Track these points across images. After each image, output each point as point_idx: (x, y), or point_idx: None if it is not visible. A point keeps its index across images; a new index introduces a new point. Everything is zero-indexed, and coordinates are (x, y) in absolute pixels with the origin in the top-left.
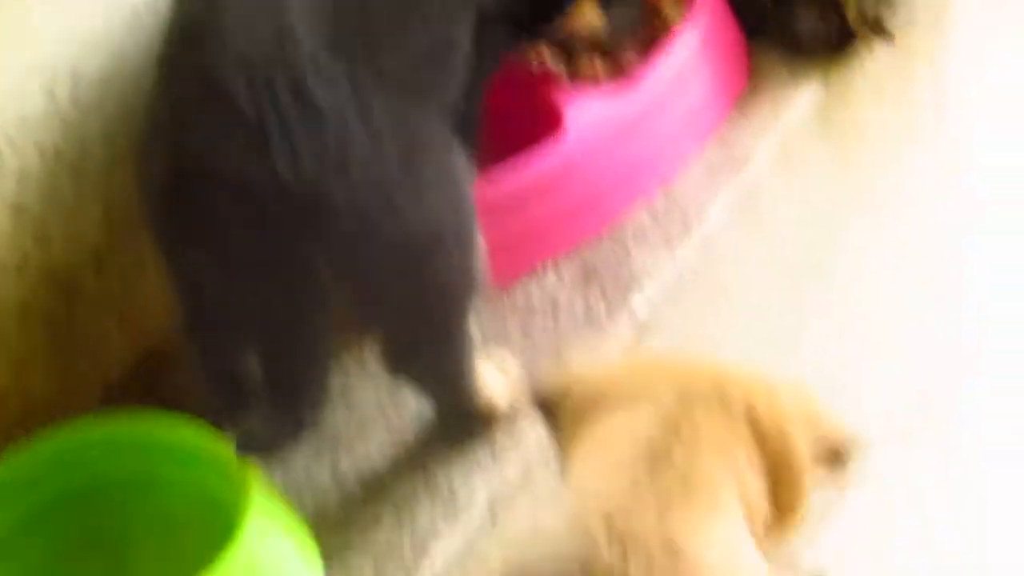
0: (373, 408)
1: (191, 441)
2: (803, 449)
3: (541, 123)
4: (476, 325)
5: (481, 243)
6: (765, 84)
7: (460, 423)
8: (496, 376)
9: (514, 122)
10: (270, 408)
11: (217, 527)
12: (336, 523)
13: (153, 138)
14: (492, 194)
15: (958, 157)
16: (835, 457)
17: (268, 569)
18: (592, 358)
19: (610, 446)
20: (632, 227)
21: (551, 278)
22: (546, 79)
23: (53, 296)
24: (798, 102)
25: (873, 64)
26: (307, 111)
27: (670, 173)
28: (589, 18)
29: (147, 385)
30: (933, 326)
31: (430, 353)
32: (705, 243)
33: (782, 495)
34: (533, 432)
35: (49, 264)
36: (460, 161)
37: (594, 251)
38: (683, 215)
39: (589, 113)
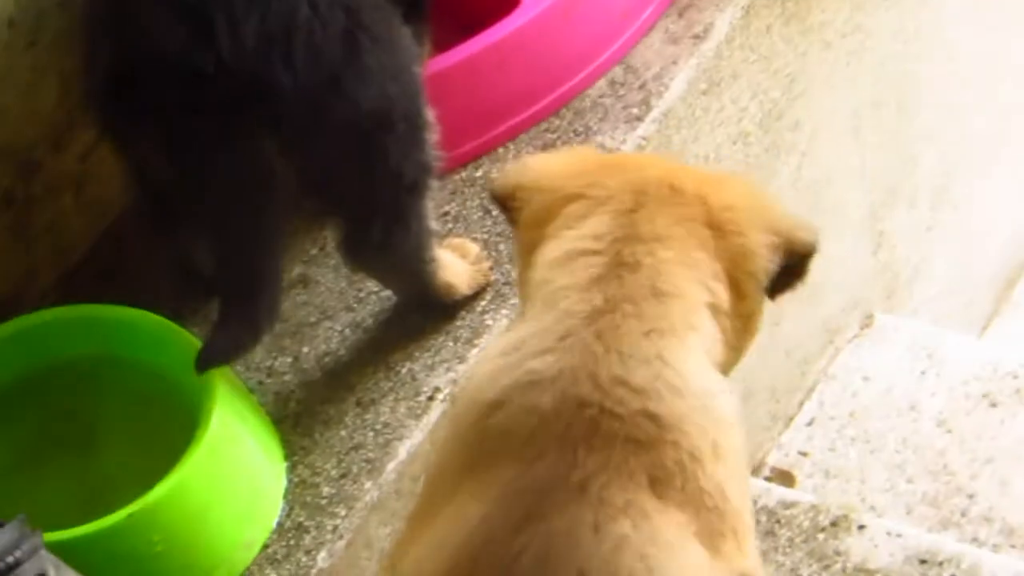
0: (334, 296)
1: (151, 326)
2: (759, 236)
3: None
4: (435, 208)
5: (433, 124)
6: None
7: (422, 310)
8: (456, 260)
9: None
10: (225, 315)
11: (181, 412)
12: (299, 419)
13: (95, 25)
14: (447, 67)
15: (918, 22)
16: (790, 247)
17: (232, 467)
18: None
19: (575, 248)
20: (591, 100)
21: (511, 155)
22: None
23: (10, 174)
24: None
25: None
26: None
27: (628, 43)
28: None
29: (106, 272)
30: (893, 197)
31: (388, 242)
32: (666, 115)
33: (742, 294)
34: (493, 320)
35: (5, 141)
36: (407, 39)
37: (553, 127)
38: (643, 88)
39: None
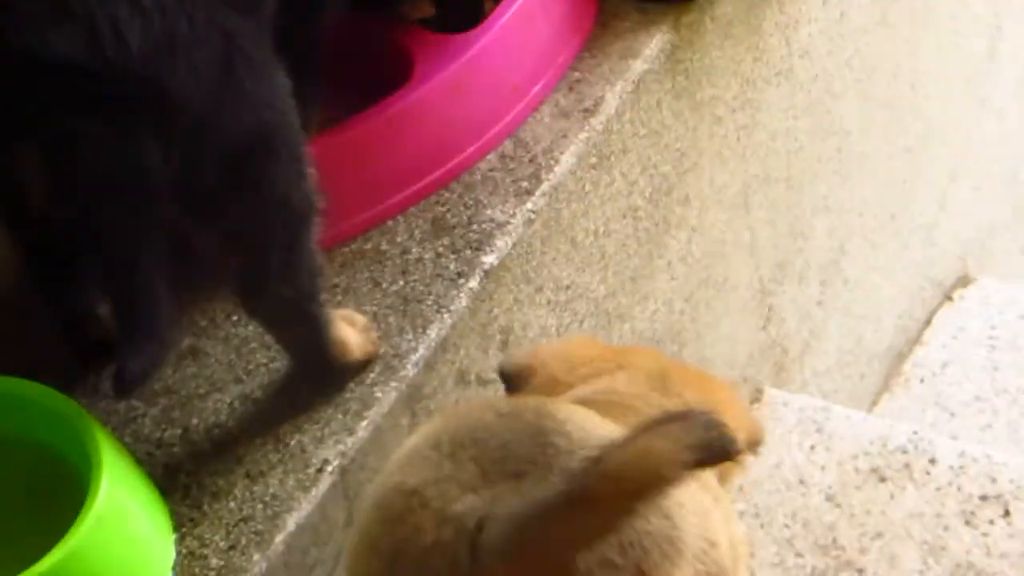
0: (223, 368)
1: (37, 397)
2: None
3: (390, 67)
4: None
5: (311, 164)
6: (615, 27)
7: (313, 374)
8: (346, 326)
9: (362, 65)
10: (129, 334)
11: (68, 484)
12: (188, 491)
13: None
14: (338, 139)
15: (809, 98)
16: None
17: (121, 539)
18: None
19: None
20: (481, 174)
21: (401, 229)
22: (396, 23)
23: None
24: (649, 45)
25: (722, 5)
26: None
27: (518, 118)
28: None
29: None
30: (783, 271)
31: (286, 272)
32: (556, 188)
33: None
34: (383, 392)
35: None
36: (282, 75)
37: (444, 201)
38: (533, 162)
39: (440, 53)
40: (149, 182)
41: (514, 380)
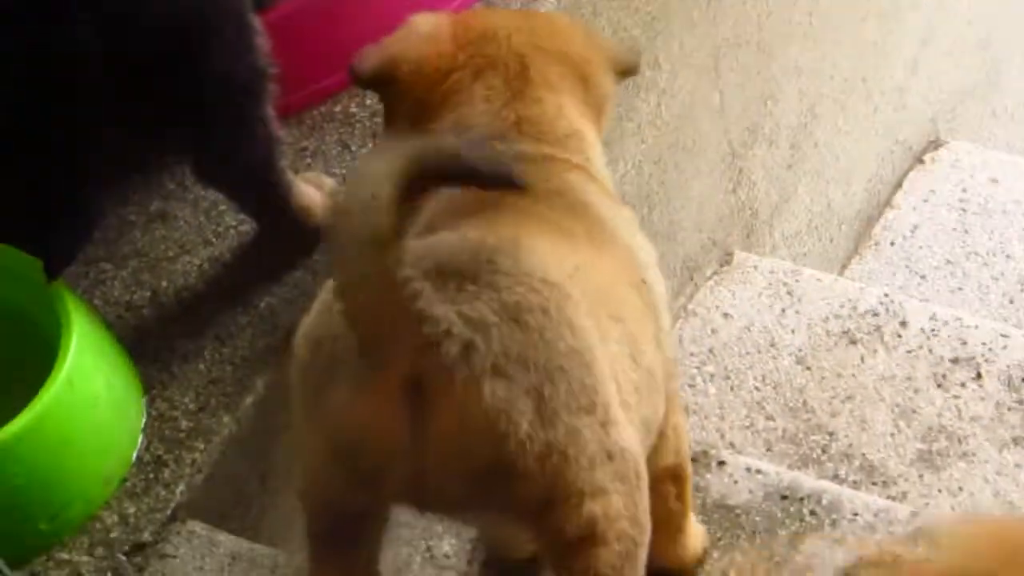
0: (193, 231)
1: (7, 260)
2: (610, 78)
3: None
4: (287, 134)
5: (260, 30)
6: None
7: (280, 238)
8: (312, 190)
9: None
10: (56, 211)
11: (39, 348)
12: (157, 353)
13: None
14: (305, 6)
15: None
16: (624, 71)
17: (90, 401)
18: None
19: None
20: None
21: (366, 92)
22: None
23: None
24: None
25: None
26: None
27: None
28: None
29: None
30: (753, 134)
31: (235, 147)
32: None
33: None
34: None
35: None
36: None
37: None
38: None
39: None
40: (80, 59)
41: (372, 85)
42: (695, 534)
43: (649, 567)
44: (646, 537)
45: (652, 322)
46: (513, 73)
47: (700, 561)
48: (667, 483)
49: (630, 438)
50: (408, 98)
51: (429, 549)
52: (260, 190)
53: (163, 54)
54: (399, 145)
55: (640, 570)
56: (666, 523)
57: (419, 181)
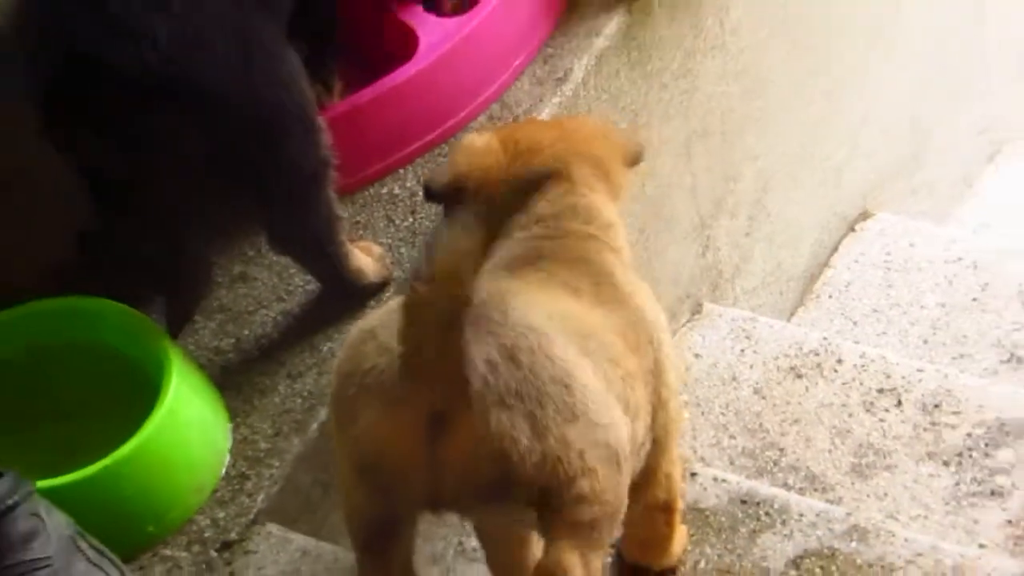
0: (268, 289)
1: (115, 314)
2: (624, 172)
3: (397, 42)
4: (342, 209)
5: (323, 127)
6: (581, 11)
7: (338, 295)
8: (363, 256)
9: (372, 40)
10: (173, 287)
11: (140, 386)
12: (240, 388)
13: (32, 37)
14: (358, 104)
15: (739, 66)
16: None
17: (187, 427)
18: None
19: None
20: (475, 130)
21: (410, 176)
22: (402, 4)
23: None
24: (609, 26)
25: None
26: (159, 9)
27: (504, 85)
28: None
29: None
30: (718, 208)
31: (302, 222)
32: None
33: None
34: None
35: None
36: (295, 60)
37: (444, 153)
38: (515, 120)
39: (439, 33)
40: (170, 149)
41: (444, 199)
42: (678, 540)
43: (635, 568)
44: (622, 505)
45: (647, 370)
46: (561, 179)
47: (680, 561)
48: (658, 513)
49: (615, 433)
50: (475, 203)
51: (460, 543)
52: (322, 257)
53: (248, 149)
54: (471, 226)
55: (613, 529)
56: (657, 542)
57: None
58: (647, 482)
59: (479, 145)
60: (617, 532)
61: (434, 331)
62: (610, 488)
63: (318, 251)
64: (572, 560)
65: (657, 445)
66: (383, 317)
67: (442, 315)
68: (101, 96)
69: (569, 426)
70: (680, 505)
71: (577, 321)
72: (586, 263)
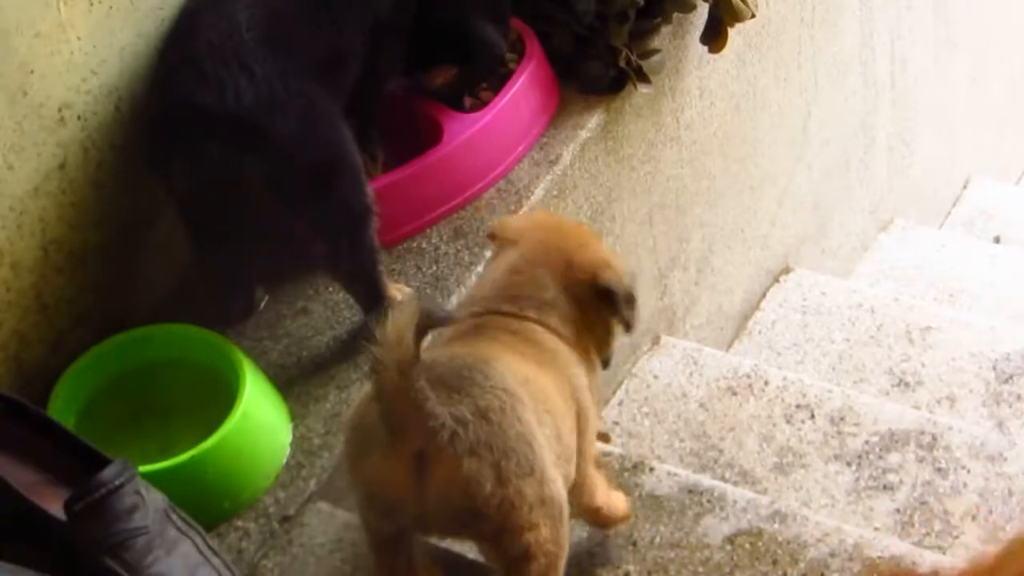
0: (323, 321)
1: (203, 336)
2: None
3: (427, 132)
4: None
5: (368, 183)
6: (570, 109)
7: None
8: (397, 294)
9: (406, 129)
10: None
11: (223, 395)
12: (298, 397)
13: (153, 96)
14: (394, 179)
15: (691, 154)
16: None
17: (258, 425)
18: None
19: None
20: (485, 201)
21: (434, 235)
22: (430, 101)
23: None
24: (591, 121)
25: (636, 96)
26: (245, 73)
27: (510, 166)
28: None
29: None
30: (673, 263)
31: (353, 252)
32: (532, 211)
33: (586, 310)
34: None
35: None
36: (348, 130)
37: (461, 217)
38: (517, 194)
39: (460, 125)
40: (246, 185)
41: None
42: (616, 505)
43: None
44: (564, 552)
45: (574, 419)
46: (525, 252)
47: (625, 517)
48: (587, 514)
49: (557, 489)
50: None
51: None
52: (366, 285)
53: (308, 190)
54: (412, 303)
55: (560, 573)
56: (594, 521)
57: (424, 326)
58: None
59: (521, 220)
60: None
61: (395, 391)
62: (552, 540)
63: (364, 278)
64: None
65: (578, 471)
66: None
67: (397, 377)
68: (191, 135)
69: (526, 479)
70: (599, 503)
71: (535, 384)
72: (524, 334)
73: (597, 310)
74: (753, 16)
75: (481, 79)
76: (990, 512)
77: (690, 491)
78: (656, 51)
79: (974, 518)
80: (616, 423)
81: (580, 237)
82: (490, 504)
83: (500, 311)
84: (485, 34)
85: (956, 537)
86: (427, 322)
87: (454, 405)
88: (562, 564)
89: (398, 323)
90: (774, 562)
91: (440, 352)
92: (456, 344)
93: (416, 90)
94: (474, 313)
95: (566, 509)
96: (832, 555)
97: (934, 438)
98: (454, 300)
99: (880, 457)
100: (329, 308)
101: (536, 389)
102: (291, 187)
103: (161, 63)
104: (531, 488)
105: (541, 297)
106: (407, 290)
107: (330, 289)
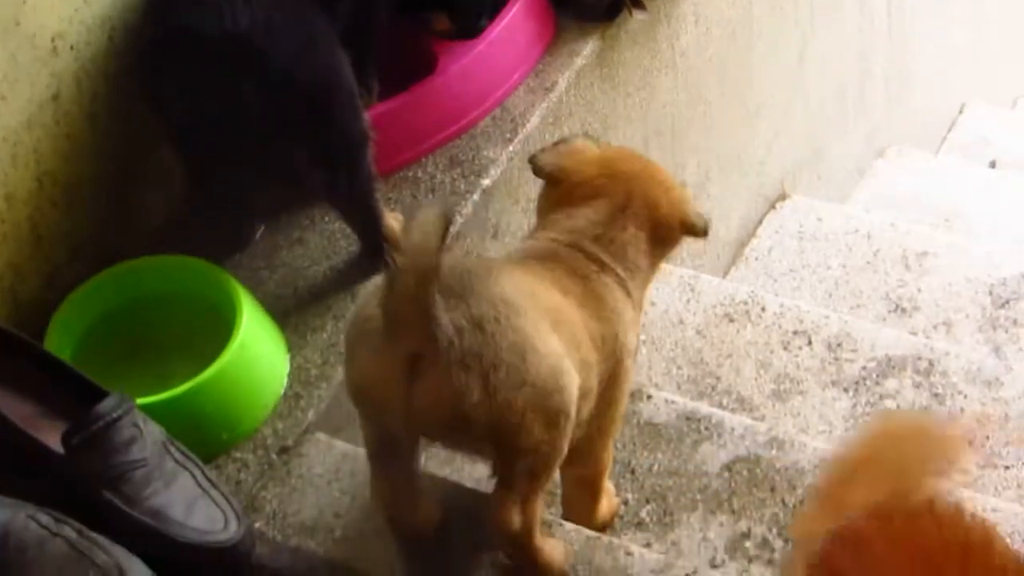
0: (319, 251)
1: (200, 267)
2: (679, 232)
3: (423, 61)
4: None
5: (362, 104)
6: (565, 37)
7: (374, 253)
8: (393, 223)
9: (403, 58)
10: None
11: (220, 327)
12: (296, 327)
13: (147, 22)
14: (389, 107)
15: (685, 81)
16: (690, 231)
17: (255, 356)
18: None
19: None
20: (480, 129)
21: (429, 164)
22: (426, 32)
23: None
24: (586, 48)
25: (632, 23)
26: (245, 2)
27: (505, 94)
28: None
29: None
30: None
31: (351, 179)
32: (527, 139)
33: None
34: None
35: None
36: (345, 57)
37: (457, 146)
38: (513, 122)
39: (454, 54)
40: (244, 111)
41: (542, 175)
42: (604, 506)
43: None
44: (559, 453)
45: (604, 365)
46: (618, 205)
47: (609, 522)
48: (584, 486)
49: (558, 399)
50: (557, 190)
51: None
52: (363, 211)
53: (305, 115)
54: (435, 206)
55: (550, 475)
56: (582, 509)
57: (447, 230)
58: (580, 459)
59: (585, 153)
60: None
61: (407, 295)
62: (546, 442)
63: (361, 204)
64: (511, 515)
65: (600, 433)
66: None
67: (414, 282)
68: (187, 61)
69: (516, 391)
70: (603, 485)
71: (553, 308)
72: (587, 281)
73: (668, 247)
74: None
75: (469, 16)
76: (987, 437)
77: (688, 418)
78: None
79: (971, 443)
80: None
81: (662, 180)
82: (477, 411)
83: (586, 251)
84: None
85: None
86: (448, 228)
87: (453, 311)
88: (555, 463)
89: (423, 226)
90: (772, 489)
91: (448, 258)
92: (512, 260)
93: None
94: (558, 241)
95: (567, 417)
96: None
97: (931, 363)
98: (450, 230)
99: (877, 383)
100: (325, 238)
101: (549, 306)
102: (288, 111)
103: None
104: (522, 398)
105: (635, 260)
106: (401, 218)
107: (326, 219)
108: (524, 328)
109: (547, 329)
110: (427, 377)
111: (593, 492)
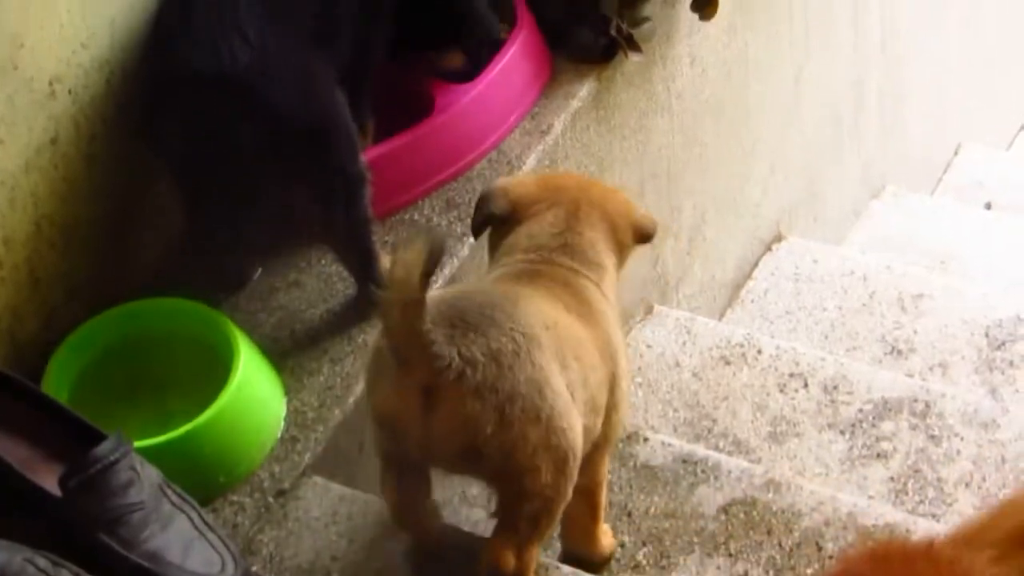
0: (316, 293)
1: (198, 311)
2: (630, 233)
3: (420, 102)
4: (377, 238)
5: (360, 146)
6: (561, 79)
7: (370, 296)
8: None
9: (399, 101)
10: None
11: (218, 369)
12: (292, 370)
13: (147, 61)
14: (387, 150)
15: (681, 124)
16: (641, 234)
17: (252, 399)
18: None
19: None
20: (477, 172)
21: (426, 206)
22: (424, 73)
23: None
24: (582, 90)
25: (628, 65)
26: (241, 36)
27: (501, 136)
28: (454, 60)
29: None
30: (665, 232)
31: (347, 217)
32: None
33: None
34: None
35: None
36: (342, 97)
37: (454, 189)
38: (509, 164)
39: (451, 96)
40: (241, 150)
41: (492, 221)
42: (606, 538)
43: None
44: (563, 499)
45: (608, 376)
46: (570, 211)
47: (608, 559)
48: (582, 499)
49: (568, 438)
50: (507, 223)
51: (464, 492)
52: (358, 253)
53: (303, 154)
54: (420, 242)
55: (554, 520)
56: (583, 526)
57: (432, 263)
58: (581, 468)
59: (523, 181)
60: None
61: (396, 329)
62: (551, 485)
63: (356, 245)
64: (507, 557)
65: (605, 439)
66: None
67: (399, 315)
68: (186, 100)
69: (532, 425)
70: (602, 500)
71: (569, 329)
72: (570, 286)
73: (625, 244)
74: None
75: (481, 52)
76: (983, 479)
77: (684, 461)
78: (647, 19)
79: (967, 485)
80: None
81: (603, 187)
82: (490, 445)
83: (556, 263)
84: (478, 9)
85: (950, 505)
86: (436, 261)
87: (467, 344)
88: (559, 509)
89: (406, 261)
90: (768, 531)
91: (464, 290)
92: (505, 283)
93: (424, 71)
94: (530, 260)
95: (575, 459)
96: (826, 524)
97: (927, 405)
98: (446, 272)
99: (873, 425)
100: (322, 281)
101: (566, 336)
102: (286, 151)
103: (155, 29)
104: (536, 434)
105: (600, 261)
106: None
107: (323, 262)
108: (541, 362)
109: (556, 369)
110: (441, 408)
111: (592, 506)
